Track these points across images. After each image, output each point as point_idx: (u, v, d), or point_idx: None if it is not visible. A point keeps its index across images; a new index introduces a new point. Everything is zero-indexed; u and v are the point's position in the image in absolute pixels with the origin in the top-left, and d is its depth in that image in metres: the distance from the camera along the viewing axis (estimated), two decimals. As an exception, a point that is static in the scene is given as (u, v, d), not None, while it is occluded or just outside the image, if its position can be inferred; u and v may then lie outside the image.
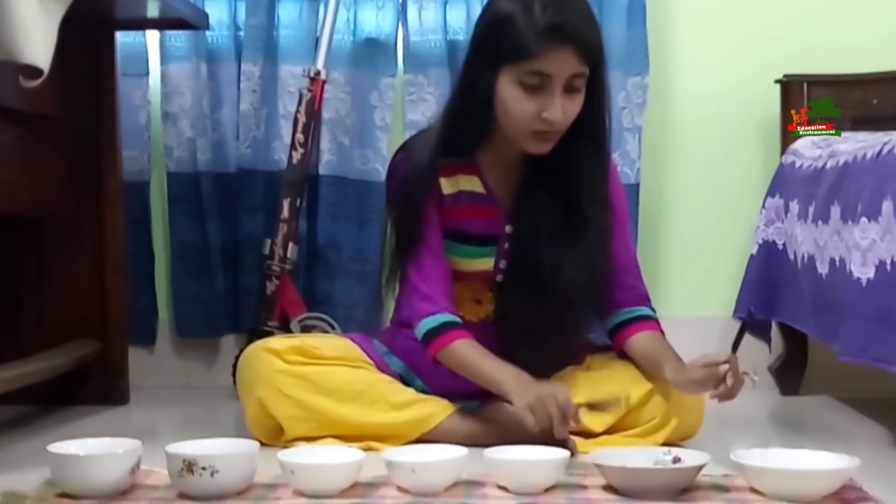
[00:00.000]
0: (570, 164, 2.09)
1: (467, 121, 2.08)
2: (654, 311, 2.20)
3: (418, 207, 2.11)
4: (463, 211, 2.16)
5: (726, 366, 1.93)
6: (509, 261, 2.16)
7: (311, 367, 2.11)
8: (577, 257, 2.08)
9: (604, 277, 2.13)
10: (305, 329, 2.69)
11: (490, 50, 2.04)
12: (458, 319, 2.10)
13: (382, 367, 2.19)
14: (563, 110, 2.01)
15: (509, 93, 2.02)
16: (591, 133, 2.09)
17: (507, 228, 2.16)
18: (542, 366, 2.12)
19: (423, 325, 2.09)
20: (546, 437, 1.93)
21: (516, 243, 2.15)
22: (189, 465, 1.64)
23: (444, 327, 2.08)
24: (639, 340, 2.14)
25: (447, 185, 2.15)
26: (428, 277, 2.10)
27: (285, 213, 2.71)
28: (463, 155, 2.14)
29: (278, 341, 2.18)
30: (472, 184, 2.16)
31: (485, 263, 2.17)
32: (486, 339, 2.13)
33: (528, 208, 2.13)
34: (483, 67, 2.04)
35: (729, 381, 1.93)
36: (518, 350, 2.12)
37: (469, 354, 2.06)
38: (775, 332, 2.80)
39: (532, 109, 2.01)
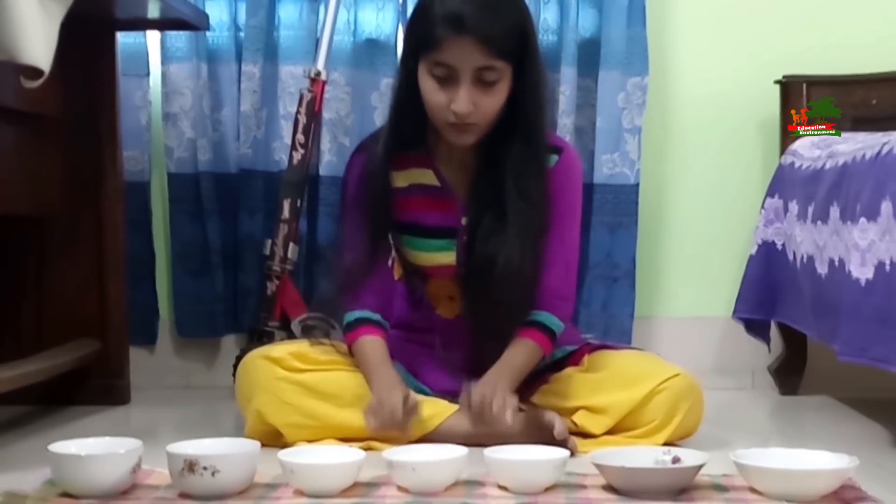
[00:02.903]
0: (503, 159, 2.08)
1: (407, 113, 2.09)
2: (558, 317, 2.13)
3: (368, 207, 2.13)
4: (417, 203, 2.16)
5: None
6: (465, 254, 2.16)
7: (310, 373, 2.10)
8: (521, 252, 2.06)
9: (535, 274, 2.09)
10: (306, 329, 2.69)
11: (409, 40, 2.07)
12: (372, 315, 2.12)
13: (381, 369, 2.19)
14: (472, 103, 1.99)
15: (424, 84, 2.03)
16: (522, 128, 2.06)
17: (464, 220, 2.16)
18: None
19: (344, 321, 2.15)
20: (546, 438, 1.94)
21: (469, 236, 2.14)
22: (190, 465, 1.65)
23: (357, 323, 2.12)
24: (512, 343, 2.11)
25: (399, 179, 2.15)
26: (359, 280, 2.13)
27: (286, 213, 2.71)
28: (416, 147, 2.14)
29: (276, 349, 2.17)
30: (425, 176, 2.17)
31: (446, 257, 2.17)
32: (460, 336, 2.14)
33: (478, 201, 2.13)
34: (409, 58, 2.06)
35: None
36: (485, 347, 2.12)
37: (361, 353, 2.10)
38: (775, 332, 2.80)
39: (442, 100, 2.01)
